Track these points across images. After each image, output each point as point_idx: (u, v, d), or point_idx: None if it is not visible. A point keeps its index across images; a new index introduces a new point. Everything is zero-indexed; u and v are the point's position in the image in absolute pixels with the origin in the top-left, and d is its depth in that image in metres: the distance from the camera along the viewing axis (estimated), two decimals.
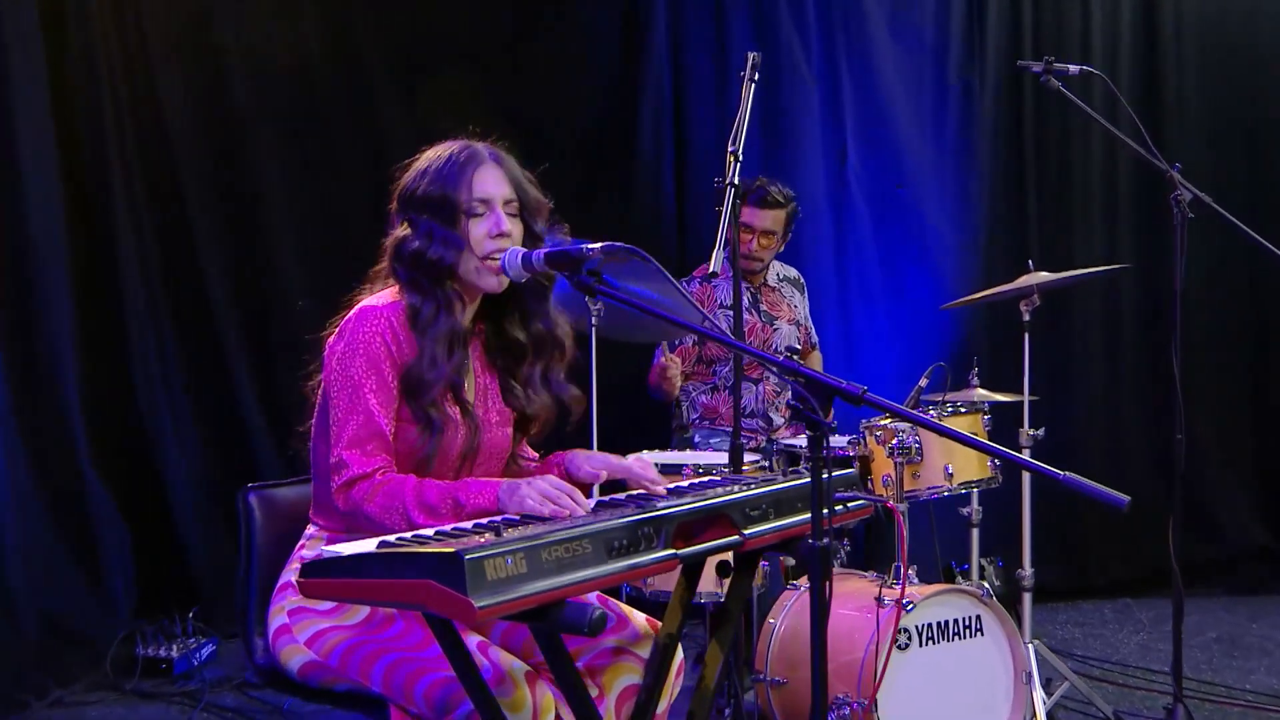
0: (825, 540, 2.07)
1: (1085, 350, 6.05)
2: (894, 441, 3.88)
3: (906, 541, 2.44)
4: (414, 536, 2.02)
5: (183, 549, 5.16)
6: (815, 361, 5.13)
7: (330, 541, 2.46)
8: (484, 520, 2.18)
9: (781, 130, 5.70)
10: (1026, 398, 4.24)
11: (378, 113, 5.51)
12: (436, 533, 2.04)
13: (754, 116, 5.69)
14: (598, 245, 2.32)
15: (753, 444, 4.68)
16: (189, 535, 5.17)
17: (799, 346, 4.96)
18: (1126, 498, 1.87)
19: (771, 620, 3.83)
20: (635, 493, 2.44)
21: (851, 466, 4.08)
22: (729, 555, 2.35)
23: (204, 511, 5.20)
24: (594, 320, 3.83)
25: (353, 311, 2.49)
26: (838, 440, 4.32)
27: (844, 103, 5.79)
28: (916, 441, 3.89)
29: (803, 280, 5.03)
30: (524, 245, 2.52)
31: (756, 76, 3.69)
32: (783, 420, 4.84)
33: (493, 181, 2.52)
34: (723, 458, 3.93)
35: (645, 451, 4.15)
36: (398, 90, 5.51)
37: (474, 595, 1.73)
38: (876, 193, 5.84)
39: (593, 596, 2.34)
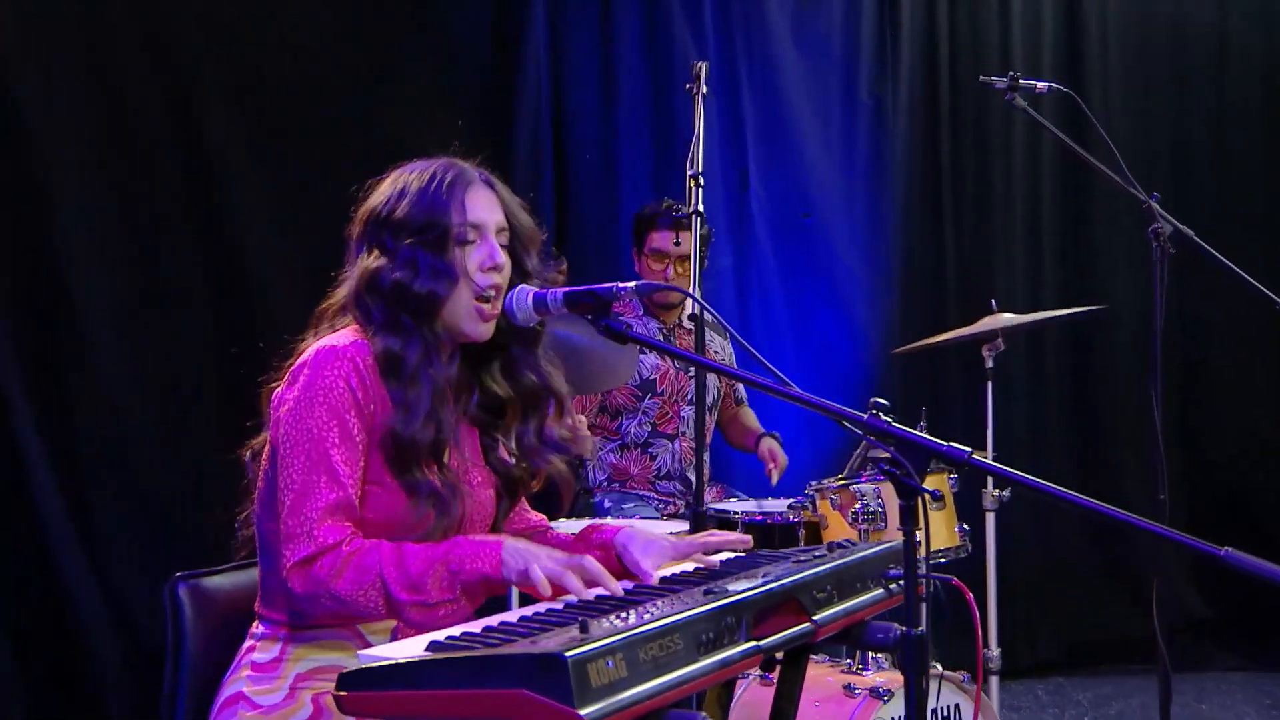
0: (921, 629, 2.07)
1: (1007, 398, 6.17)
2: (856, 506, 3.90)
3: (980, 626, 2.41)
4: (464, 634, 1.90)
5: None
6: (748, 418, 5.10)
7: (289, 640, 2.34)
8: (529, 611, 2.07)
9: (675, 149, 5.70)
10: (991, 453, 4.32)
11: (209, 149, 5.21)
12: (485, 629, 1.93)
13: (644, 135, 5.71)
14: (631, 284, 2.27)
15: (671, 509, 4.67)
16: None
17: (721, 397, 4.97)
18: None
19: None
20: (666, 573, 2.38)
21: (798, 535, 4.11)
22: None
23: None
24: None
25: (308, 354, 2.37)
26: (775, 505, 4.33)
27: (745, 121, 5.83)
28: (880, 506, 3.92)
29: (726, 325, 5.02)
30: (514, 281, 2.46)
31: (705, 89, 3.69)
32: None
33: (485, 205, 2.46)
34: (659, 527, 3.88)
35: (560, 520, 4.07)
36: (226, 110, 5.21)
37: (581, 706, 1.64)
38: (781, 221, 5.90)
39: None
